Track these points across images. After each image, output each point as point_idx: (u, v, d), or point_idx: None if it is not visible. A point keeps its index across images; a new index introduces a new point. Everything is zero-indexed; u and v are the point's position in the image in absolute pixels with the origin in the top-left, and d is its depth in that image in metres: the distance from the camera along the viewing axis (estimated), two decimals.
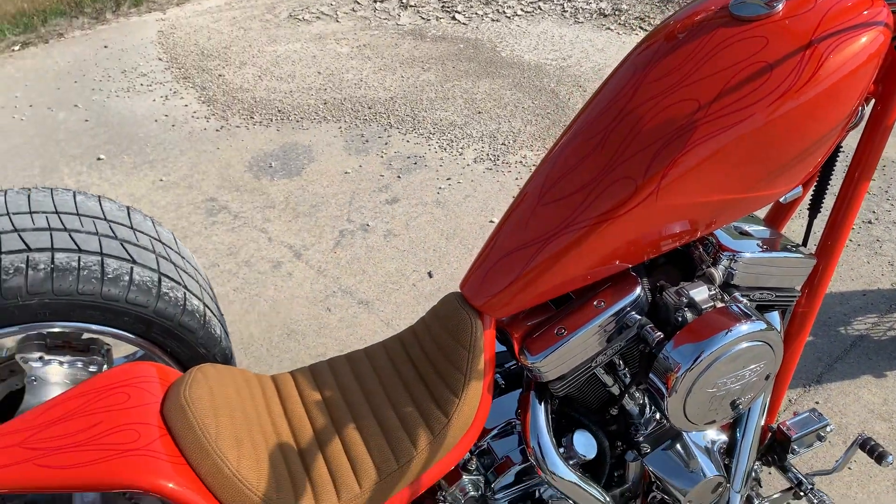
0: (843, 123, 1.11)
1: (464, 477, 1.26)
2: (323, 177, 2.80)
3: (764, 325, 1.16)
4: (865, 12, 1.07)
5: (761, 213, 1.36)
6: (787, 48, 1.06)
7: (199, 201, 2.71)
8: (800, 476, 1.48)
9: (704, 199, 1.10)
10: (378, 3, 4.20)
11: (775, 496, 1.52)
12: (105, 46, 3.88)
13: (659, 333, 1.17)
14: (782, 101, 1.04)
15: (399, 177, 2.77)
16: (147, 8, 4.27)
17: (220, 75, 3.55)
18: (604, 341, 1.19)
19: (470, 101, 3.22)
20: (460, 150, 2.91)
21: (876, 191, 2.56)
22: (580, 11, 3.98)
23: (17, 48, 3.90)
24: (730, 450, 1.42)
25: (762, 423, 1.41)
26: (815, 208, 1.37)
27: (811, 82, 1.04)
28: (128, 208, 1.55)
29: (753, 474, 1.49)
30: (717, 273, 1.22)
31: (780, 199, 1.24)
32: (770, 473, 1.72)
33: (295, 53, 3.71)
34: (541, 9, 4.03)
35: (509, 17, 3.97)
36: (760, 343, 1.16)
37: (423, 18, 4.01)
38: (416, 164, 2.84)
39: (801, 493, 1.48)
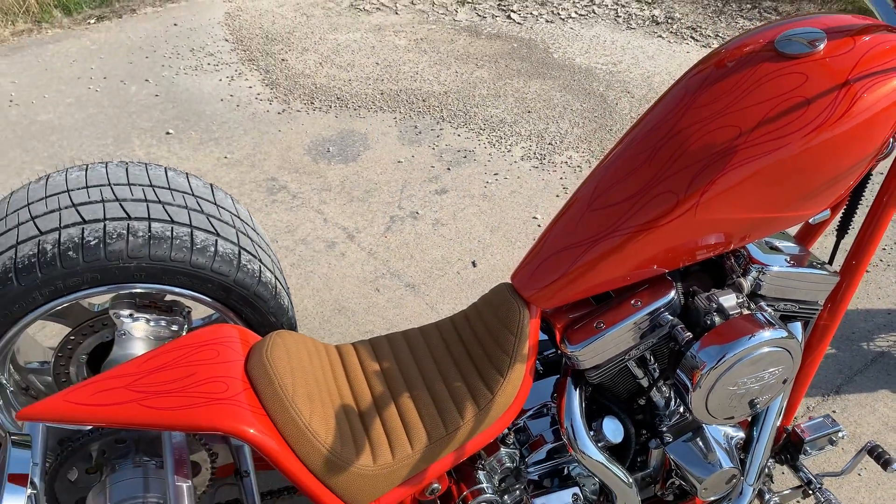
0: (872, 155, 1.23)
1: (501, 449, 1.41)
2: (377, 164, 2.95)
3: (785, 334, 1.28)
4: None
5: (792, 230, 1.48)
6: (825, 85, 1.17)
7: (260, 180, 2.87)
8: (810, 476, 1.60)
9: (739, 217, 1.22)
10: None
11: (786, 492, 1.64)
12: (175, 24, 4.06)
13: (688, 334, 1.30)
14: (817, 133, 1.15)
15: (449, 169, 2.91)
16: None
17: (283, 60, 3.71)
18: (638, 337, 1.32)
19: (521, 99, 3.34)
20: (508, 146, 3.04)
21: None
22: (633, 17, 4.07)
23: (92, 21, 4.10)
24: (746, 446, 1.54)
25: (778, 423, 1.53)
26: (843, 229, 1.47)
27: (844, 118, 1.16)
28: (211, 186, 1.71)
29: (767, 470, 1.61)
30: (746, 283, 1.34)
31: (810, 220, 1.36)
32: (783, 473, 1.84)
33: (355, 43, 3.86)
34: (594, 13, 4.13)
35: (563, 19, 4.07)
36: (780, 349, 1.28)
37: (480, 16, 4.13)
38: (465, 157, 2.98)
39: (810, 492, 1.60)
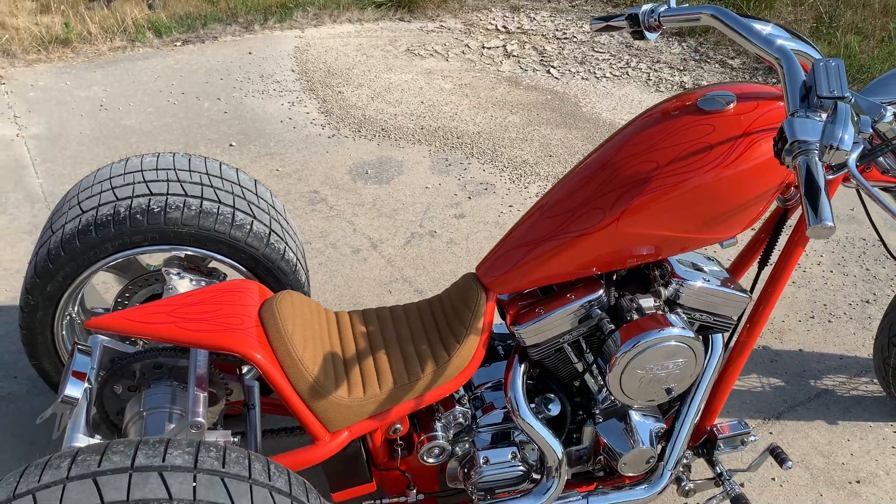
0: (765, 195, 1.53)
1: (457, 407, 1.73)
2: (407, 188, 3.33)
3: (691, 334, 1.59)
4: None
5: (725, 262, 1.76)
6: (728, 134, 1.50)
7: (304, 191, 3.28)
8: (722, 469, 1.87)
9: (653, 233, 1.54)
10: (485, 49, 4.75)
11: (700, 482, 1.91)
12: (249, 53, 4.56)
13: (612, 326, 1.62)
14: (714, 171, 1.48)
15: (469, 197, 3.27)
16: (289, 25, 4.96)
17: (339, 92, 4.16)
18: (570, 324, 1.64)
19: (545, 144, 3.70)
20: (526, 184, 3.39)
21: (884, 276, 2.88)
22: (663, 82, 4.41)
23: (178, 44, 4.63)
24: (668, 437, 1.83)
25: (696, 420, 1.81)
26: (763, 262, 1.77)
27: (739, 160, 1.48)
28: (255, 181, 2.10)
29: (685, 461, 1.89)
30: (665, 292, 1.66)
31: (720, 245, 1.67)
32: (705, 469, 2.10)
33: (405, 83, 4.29)
34: (628, 74, 4.48)
35: (598, 78, 4.44)
36: (684, 345, 1.59)
37: (522, 69, 4.53)
38: (486, 189, 3.34)
39: (720, 483, 1.86)
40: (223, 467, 1.24)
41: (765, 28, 1.53)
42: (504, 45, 4.82)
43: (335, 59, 4.53)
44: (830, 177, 1.40)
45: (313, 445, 1.57)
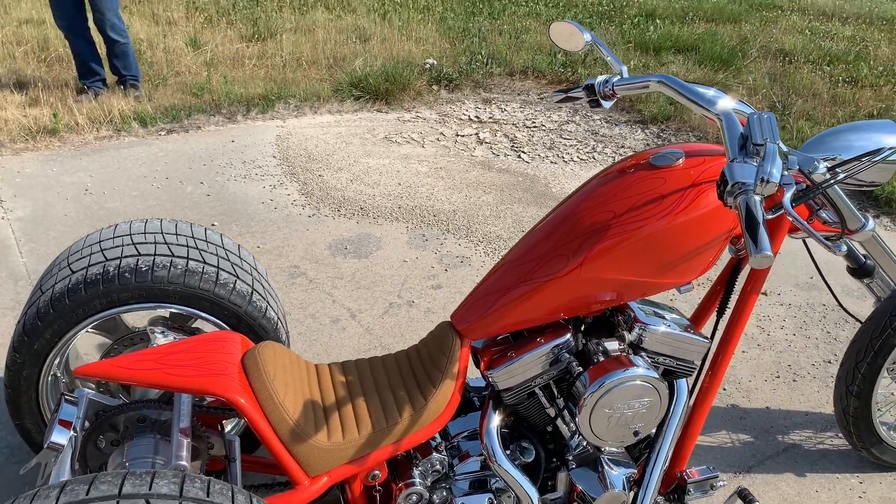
0: (716, 241, 1.66)
1: (434, 454, 1.78)
2: (385, 261, 3.44)
3: (656, 375, 1.68)
4: None
5: (687, 312, 1.85)
6: (678, 186, 1.63)
7: (284, 266, 3.38)
8: None
9: (613, 277, 1.65)
10: (459, 137, 4.97)
11: None
12: (232, 141, 4.74)
13: (580, 368, 1.70)
14: (666, 219, 1.60)
15: (446, 270, 3.38)
16: (271, 116, 5.17)
17: (320, 175, 4.32)
18: (540, 367, 1.72)
19: (517, 221, 3.85)
20: (500, 256, 3.51)
21: (844, 339, 3.00)
22: None
23: (163, 133, 4.81)
24: (640, 482, 1.88)
25: (666, 466, 1.87)
26: (721, 310, 1.88)
27: (689, 209, 1.61)
28: (238, 245, 2.19)
29: None
30: (629, 336, 1.75)
31: (678, 291, 1.78)
32: None
33: (383, 167, 4.46)
34: (594, 158, 4.71)
35: (566, 161, 4.65)
36: (649, 385, 1.67)
37: (494, 153, 4.74)
38: (462, 262, 3.45)
39: None
40: (207, 496, 1.29)
41: (708, 91, 1.69)
42: (477, 133, 5.05)
43: (315, 146, 4.72)
44: (770, 216, 1.53)
45: (294, 490, 1.61)
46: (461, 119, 5.30)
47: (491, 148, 4.83)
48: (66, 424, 1.61)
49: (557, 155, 4.75)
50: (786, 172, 1.43)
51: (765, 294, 3.31)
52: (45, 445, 1.56)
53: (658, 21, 7.74)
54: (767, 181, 1.25)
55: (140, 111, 4.92)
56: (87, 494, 1.22)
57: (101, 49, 5.14)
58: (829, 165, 1.64)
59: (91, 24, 4.97)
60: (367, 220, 3.83)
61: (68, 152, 4.47)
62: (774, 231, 1.69)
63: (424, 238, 3.66)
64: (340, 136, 4.90)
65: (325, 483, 1.64)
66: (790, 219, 1.36)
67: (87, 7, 4.89)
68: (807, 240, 2.07)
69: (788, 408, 2.63)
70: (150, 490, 1.25)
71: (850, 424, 2.24)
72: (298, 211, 3.91)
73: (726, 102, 1.63)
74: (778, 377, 2.78)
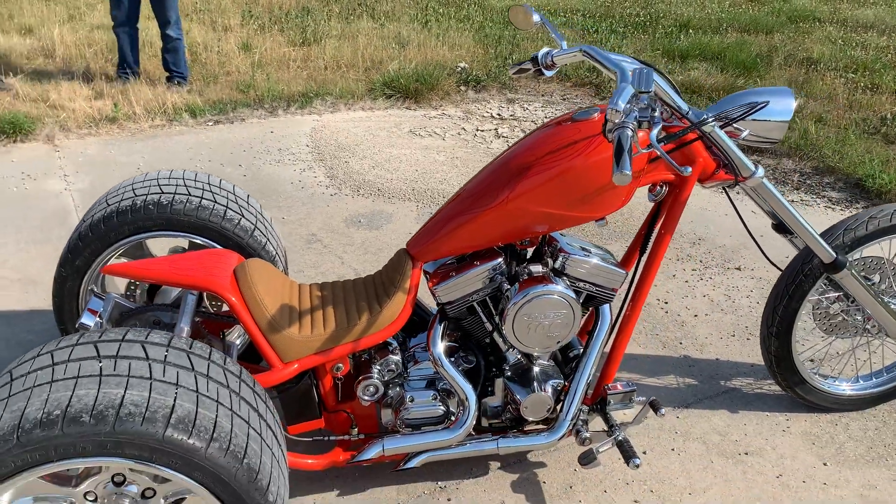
0: None
1: (390, 356, 2.15)
2: (394, 233, 3.83)
3: (572, 294, 2.02)
4: None
5: (619, 255, 2.16)
6: (591, 133, 1.97)
7: (303, 234, 3.80)
8: (613, 422, 2.23)
9: (536, 209, 2.00)
10: (479, 132, 5.35)
11: (596, 433, 2.26)
12: (271, 131, 5.22)
13: (509, 286, 2.05)
14: (580, 158, 1.95)
15: None
16: (309, 111, 5.64)
17: (345, 162, 4.75)
18: (476, 285, 2.07)
19: None
20: None
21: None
22: None
23: (210, 123, 5.32)
24: (567, 393, 2.21)
25: (588, 380, 2.19)
26: (642, 250, 2.21)
27: (598, 150, 1.95)
28: (248, 194, 2.61)
29: (581, 415, 2.25)
30: (552, 262, 2.09)
31: (597, 224, 2.11)
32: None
33: (404, 156, 4.87)
34: None
35: None
36: (564, 301, 2.01)
37: (509, 146, 5.09)
38: None
39: (610, 434, 2.22)
40: (189, 348, 1.69)
41: (624, 60, 2.03)
42: (496, 129, 5.42)
43: (345, 137, 5.15)
44: (644, 151, 1.86)
45: (269, 371, 2.00)
46: (484, 116, 5.68)
47: (507, 141, 5.18)
48: (93, 312, 2.04)
49: None
50: (642, 110, 1.73)
51: (738, 269, 3.58)
52: (77, 327, 1.99)
53: (691, 31, 7.98)
54: (613, 110, 1.60)
55: (191, 103, 5.45)
56: (99, 337, 1.63)
57: (147, 47, 5.69)
58: (713, 115, 1.96)
59: (140, 22, 5.56)
60: (382, 200, 4.23)
61: (125, 138, 5.01)
62: (643, 158, 1.99)
63: (431, 214, 4.03)
64: (369, 130, 5.33)
65: (296, 369, 2.02)
66: (654, 148, 1.69)
67: (142, 4, 5.48)
68: (734, 201, 2.37)
69: (737, 360, 2.91)
70: (146, 339, 1.66)
71: (774, 364, 2.51)
72: (322, 191, 4.33)
73: (629, 64, 1.97)
74: (733, 336, 3.06)
